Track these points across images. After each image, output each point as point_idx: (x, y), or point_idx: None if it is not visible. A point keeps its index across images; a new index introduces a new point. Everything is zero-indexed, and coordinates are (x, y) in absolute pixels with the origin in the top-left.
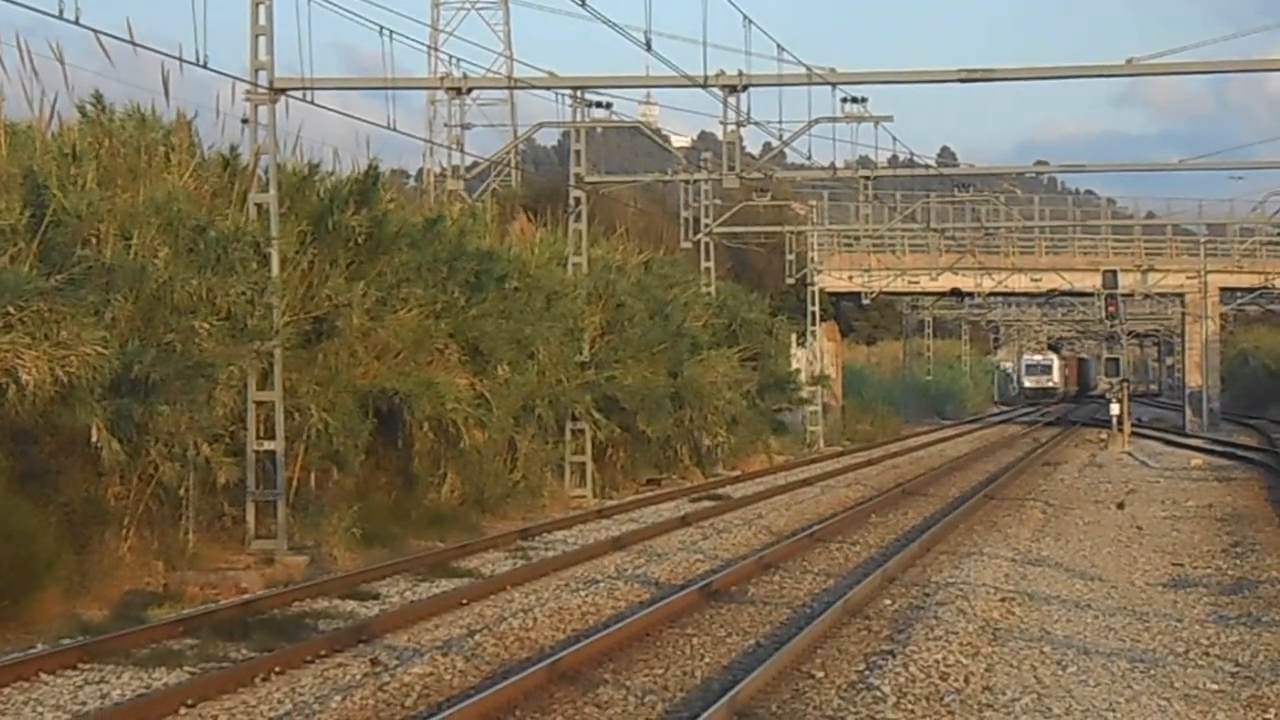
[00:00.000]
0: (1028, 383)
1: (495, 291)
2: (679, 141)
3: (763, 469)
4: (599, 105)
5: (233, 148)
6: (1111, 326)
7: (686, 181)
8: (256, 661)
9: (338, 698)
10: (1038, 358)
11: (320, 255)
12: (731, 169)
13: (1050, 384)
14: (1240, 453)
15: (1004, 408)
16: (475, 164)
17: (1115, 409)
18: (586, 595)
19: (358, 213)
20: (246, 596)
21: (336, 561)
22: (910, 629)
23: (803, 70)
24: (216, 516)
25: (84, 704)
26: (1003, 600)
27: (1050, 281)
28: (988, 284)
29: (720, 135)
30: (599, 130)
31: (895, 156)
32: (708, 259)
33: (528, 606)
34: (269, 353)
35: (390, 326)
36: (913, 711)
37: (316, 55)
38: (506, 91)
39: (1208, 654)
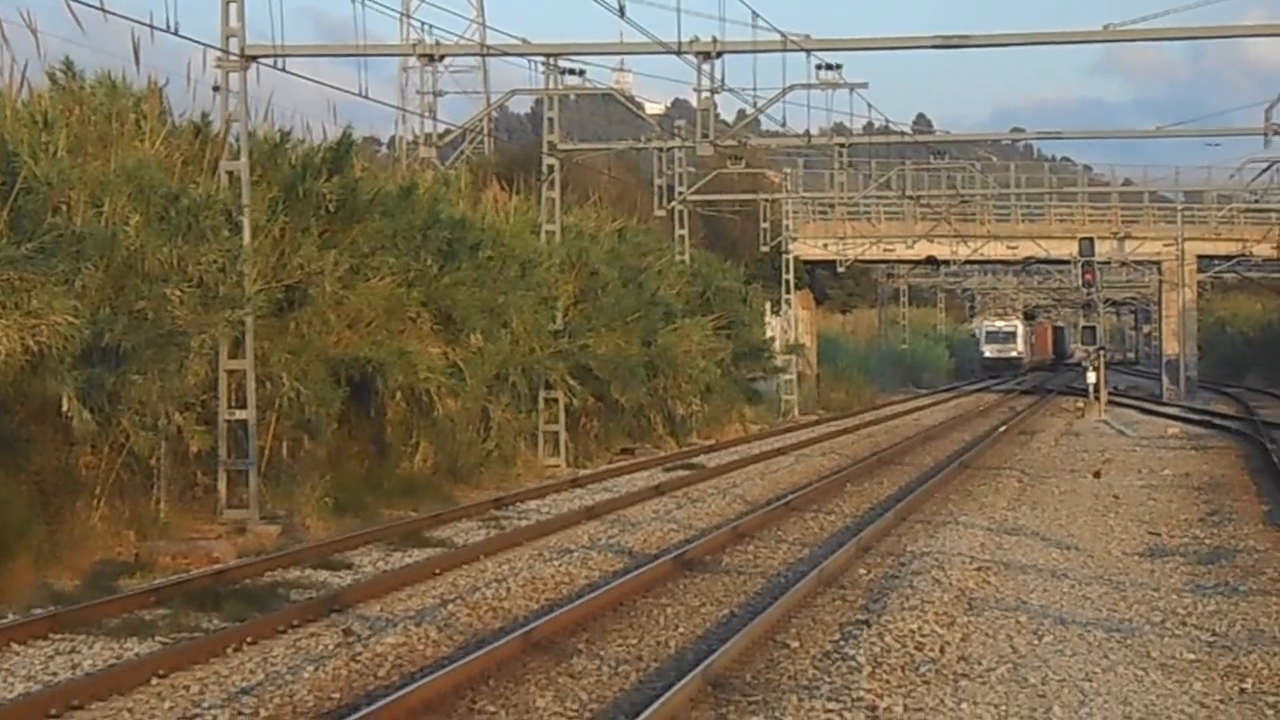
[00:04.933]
0: (988, 352)
1: (468, 260)
2: (653, 109)
3: (737, 438)
4: (572, 72)
5: (204, 115)
6: (1088, 294)
7: (660, 149)
8: (228, 632)
9: (310, 668)
10: (999, 324)
11: (292, 223)
12: (705, 136)
13: (1014, 353)
14: (1217, 421)
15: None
16: (448, 131)
17: (1092, 377)
18: (560, 565)
19: (330, 180)
20: (218, 566)
21: (309, 531)
22: (885, 598)
23: (777, 36)
24: (188, 486)
25: (55, 674)
26: (979, 569)
27: (1026, 249)
28: (963, 252)
29: (694, 102)
30: (572, 97)
31: (870, 123)
32: (682, 227)
33: (501, 576)
34: (241, 321)
35: (363, 295)
36: (888, 681)
37: (287, 21)
38: (479, 58)
39: (1184, 623)
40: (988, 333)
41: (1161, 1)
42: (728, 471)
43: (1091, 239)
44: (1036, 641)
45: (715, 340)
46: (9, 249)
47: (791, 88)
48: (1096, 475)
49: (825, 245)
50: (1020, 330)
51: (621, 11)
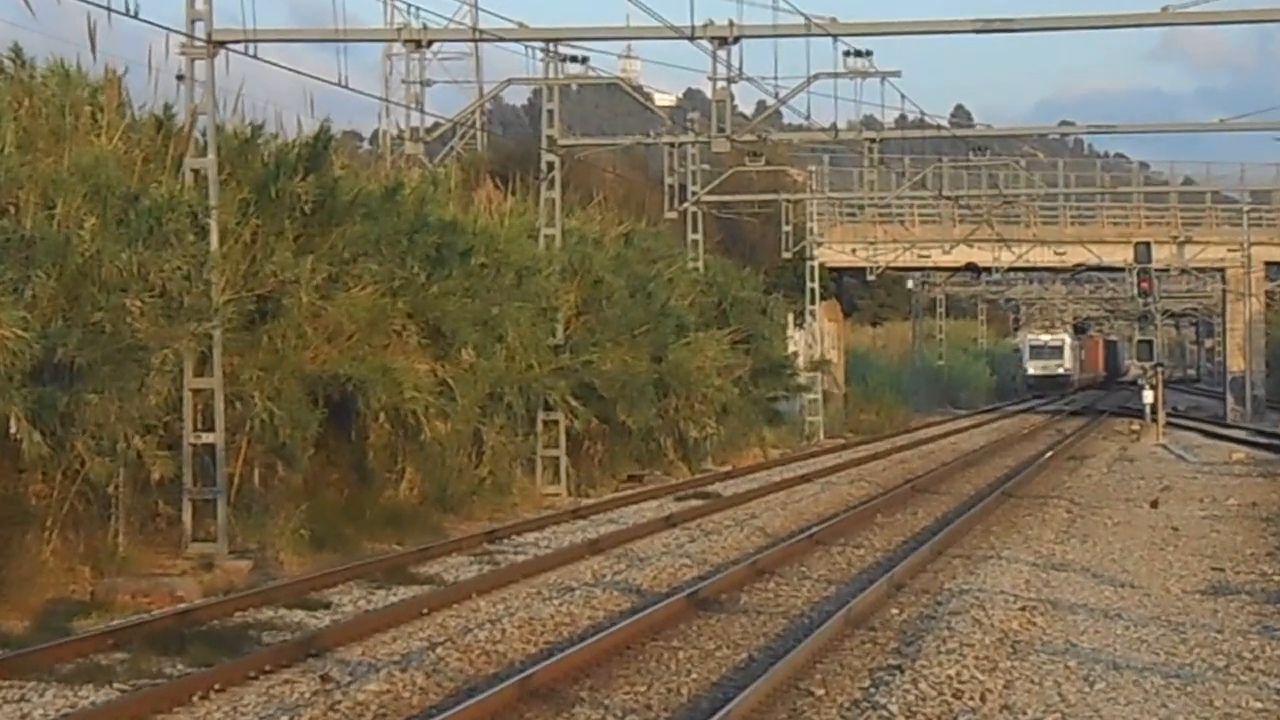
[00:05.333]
0: (1032, 369)
1: (459, 267)
2: (663, 100)
3: (756, 464)
4: (574, 60)
5: (167, 107)
6: (1144, 305)
7: (671, 144)
8: (194, 678)
9: (284, 718)
10: (1044, 338)
11: (265, 227)
12: (721, 130)
13: (1061, 370)
14: None
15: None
16: (436, 125)
17: (1148, 397)
18: (560, 604)
19: (306, 179)
20: (183, 606)
21: (283, 566)
22: (920, 641)
23: (801, 20)
24: (150, 517)
25: None
26: (1023, 609)
27: (1076, 255)
28: (1006, 258)
29: (709, 93)
30: (574, 88)
31: (904, 116)
32: (695, 231)
33: (495, 616)
34: (208, 335)
35: (343, 306)
36: None
37: (259, 3)
38: (471, 44)
39: (1251, 669)
40: (1032, 347)
41: None
42: (746, 501)
43: (1148, 244)
44: (1087, 689)
45: (732, 356)
46: None
47: (816, 77)
48: (1154, 505)
49: (854, 251)
50: (1068, 344)
51: None
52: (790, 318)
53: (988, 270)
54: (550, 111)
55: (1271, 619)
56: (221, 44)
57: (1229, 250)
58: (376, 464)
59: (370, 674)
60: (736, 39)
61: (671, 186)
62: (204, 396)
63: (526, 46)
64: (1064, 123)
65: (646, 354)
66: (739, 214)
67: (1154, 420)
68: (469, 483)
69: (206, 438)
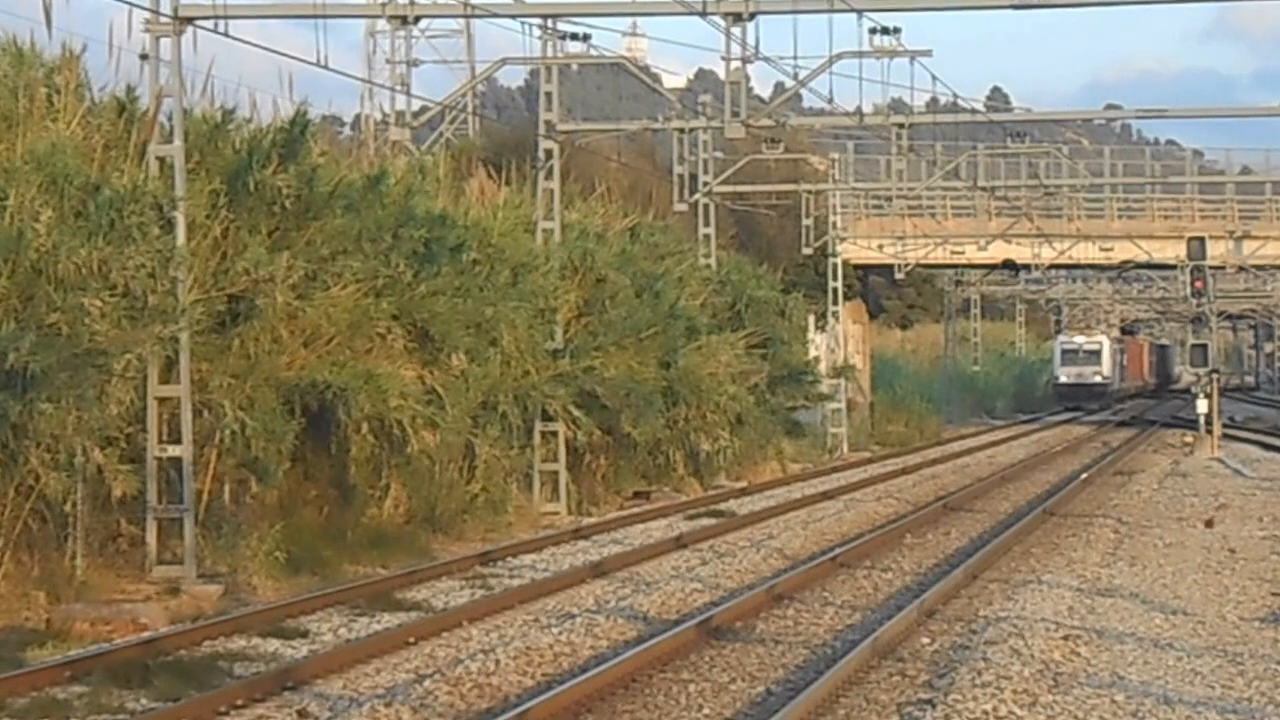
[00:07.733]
0: (1064, 376)
1: (449, 264)
2: (672, 82)
3: (774, 479)
4: (574, 37)
5: (130, 89)
6: (1198, 306)
7: (681, 130)
8: (159, 713)
9: None
10: (1079, 339)
11: (236, 220)
12: (736, 115)
13: (1098, 377)
14: None
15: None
16: (424, 109)
17: (1202, 406)
18: (560, 633)
19: (282, 168)
20: (147, 634)
21: (256, 592)
22: (953, 673)
23: None
24: (110, 537)
25: None
26: (1066, 638)
27: (1123, 251)
28: (1047, 255)
29: (722, 74)
30: (575, 68)
31: (935, 99)
32: (707, 224)
33: (489, 646)
34: (174, 338)
35: (321, 307)
36: None
37: None
38: (462, 21)
39: None
40: (1064, 351)
41: None
42: (763, 520)
43: (1202, 239)
44: None
45: (748, 362)
46: None
47: (840, 56)
48: (1208, 524)
49: (880, 247)
50: (1107, 348)
51: None
52: (811, 320)
53: (1027, 268)
54: (548, 94)
55: None
56: (189, 20)
57: None
58: (358, 479)
59: (352, 709)
60: (752, 15)
61: (681, 176)
62: (170, 406)
63: (522, 23)
64: (1110, 106)
65: (654, 359)
66: (755, 206)
67: (1209, 432)
68: (460, 500)
69: (172, 451)
